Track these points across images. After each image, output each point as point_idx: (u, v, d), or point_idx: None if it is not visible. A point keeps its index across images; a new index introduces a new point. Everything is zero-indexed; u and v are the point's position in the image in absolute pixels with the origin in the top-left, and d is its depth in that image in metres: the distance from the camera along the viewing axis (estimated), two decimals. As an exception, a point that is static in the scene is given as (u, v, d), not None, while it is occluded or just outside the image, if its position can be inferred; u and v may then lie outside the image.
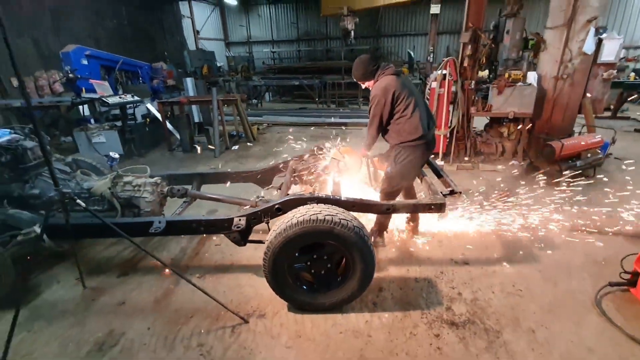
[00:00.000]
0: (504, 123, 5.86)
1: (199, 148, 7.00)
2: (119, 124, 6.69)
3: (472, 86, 5.56)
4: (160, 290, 2.94)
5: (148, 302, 2.81)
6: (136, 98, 6.24)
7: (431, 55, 12.56)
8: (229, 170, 3.84)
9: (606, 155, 5.14)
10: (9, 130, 3.33)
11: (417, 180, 3.35)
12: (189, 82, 8.74)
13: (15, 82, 8.61)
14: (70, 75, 5.73)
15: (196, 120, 8.59)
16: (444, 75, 5.49)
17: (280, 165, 3.73)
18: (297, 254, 2.45)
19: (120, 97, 5.95)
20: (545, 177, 4.70)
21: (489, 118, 6.01)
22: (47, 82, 9.07)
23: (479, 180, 5.04)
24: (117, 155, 3.46)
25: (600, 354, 2.20)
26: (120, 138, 6.58)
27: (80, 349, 2.37)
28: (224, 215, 2.73)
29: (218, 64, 15.09)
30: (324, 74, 13.83)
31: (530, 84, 5.39)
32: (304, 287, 2.56)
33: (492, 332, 2.38)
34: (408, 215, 3.55)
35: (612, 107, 9.28)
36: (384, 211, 2.69)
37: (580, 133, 5.28)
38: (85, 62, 6.49)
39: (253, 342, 2.36)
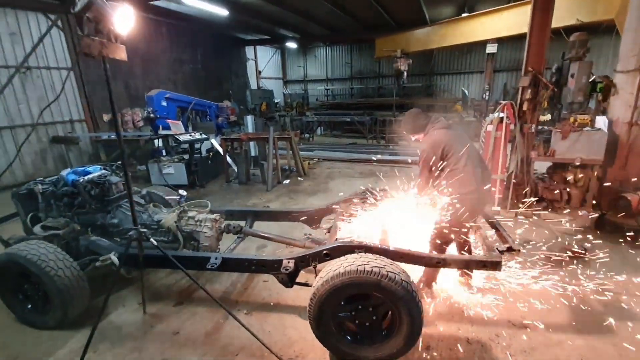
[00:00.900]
0: (569, 169, 5.44)
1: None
2: (186, 156, 7.42)
3: (532, 130, 5.31)
4: (211, 323, 3.10)
5: (199, 335, 2.97)
6: (203, 136, 6.91)
7: (487, 93, 12.25)
8: (281, 209, 4.04)
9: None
10: (99, 166, 3.89)
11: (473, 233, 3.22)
12: (249, 119, 9.45)
13: (106, 118, 10.08)
14: (151, 115, 6.57)
15: (252, 154, 9.18)
16: (501, 118, 5.33)
17: (331, 206, 3.83)
18: (342, 303, 2.47)
19: (190, 135, 6.64)
20: (620, 233, 4.22)
21: (551, 162, 5.63)
22: (131, 118, 10.46)
23: (541, 232, 4.65)
24: (185, 193, 3.85)
25: None
26: (186, 170, 7.25)
27: (138, 374, 2.56)
28: (274, 256, 2.87)
29: (275, 101, 16.16)
30: (374, 110, 14.10)
31: (599, 129, 5.01)
32: (348, 338, 2.54)
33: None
34: None
35: None
36: (433, 264, 2.63)
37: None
38: (164, 103, 7.42)
39: (294, 390, 2.37)
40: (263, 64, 18.17)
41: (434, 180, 3.01)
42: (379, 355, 2.47)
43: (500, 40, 11.12)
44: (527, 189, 5.42)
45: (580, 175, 5.35)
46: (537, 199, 5.48)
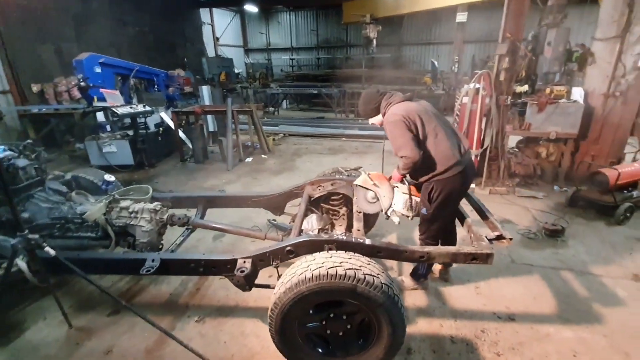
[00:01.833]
0: (541, 143, 5.29)
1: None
2: (131, 132, 6.49)
3: (508, 102, 5.03)
4: (154, 336, 2.55)
5: (138, 352, 2.44)
6: (147, 108, 6.00)
7: (456, 65, 12.00)
8: (238, 193, 3.48)
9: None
10: (3, 147, 3.06)
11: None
12: (205, 89, 8.52)
13: (35, 88, 8.66)
14: (82, 83, 5.54)
15: (210, 129, 8.34)
16: (477, 89, 4.99)
17: (295, 190, 3.32)
18: (310, 312, 2.03)
19: (130, 107, 5.72)
20: (596, 209, 4.14)
21: (524, 136, 5.46)
22: (67, 88, 9.07)
23: (518, 209, 4.48)
24: (112, 179, 3.14)
25: None
26: (131, 148, 6.36)
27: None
28: (226, 254, 2.35)
29: (236, 71, 14.97)
30: (343, 82, 13.46)
31: (575, 101, 4.83)
32: (319, 350, 2.12)
33: None
34: None
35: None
36: (416, 259, 2.24)
37: (636, 158, 4.65)
38: (98, 70, 6.33)
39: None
40: (221, 30, 16.66)
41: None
42: (355, 368, 2.08)
43: (470, 8, 10.75)
44: (502, 164, 5.21)
45: (552, 150, 5.23)
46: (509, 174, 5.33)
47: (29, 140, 3.28)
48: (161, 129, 7.07)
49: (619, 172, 3.81)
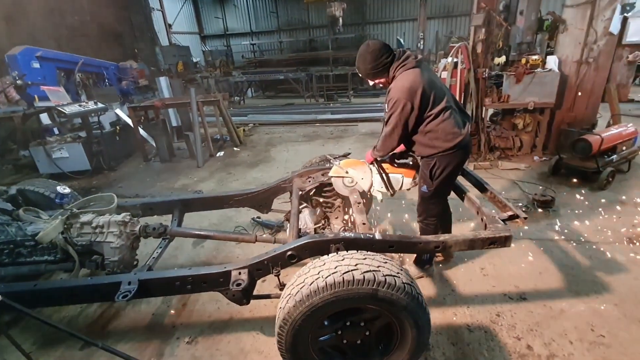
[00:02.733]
0: (517, 114, 5.30)
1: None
2: (84, 134, 5.80)
3: (486, 75, 4.95)
4: (139, 367, 2.21)
5: (121, 391, 2.09)
6: (99, 105, 5.34)
7: (421, 42, 11.93)
8: (217, 193, 3.12)
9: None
10: None
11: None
12: (163, 81, 7.83)
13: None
14: (19, 81, 4.79)
15: (174, 124, 7.71)
16: (455, 63, 4.86)
17: (282, 184, 3.02)
18: (325, 323, 1.79)
19: (80, 105, 5.06)
20: (578, 176, 4.19)
21: (500, 109, 5.44)
22: (1, 88, 7.97)
23: (504, 182, 4.46)
24: (67, 190, 2.67)
25: None
26: (86, 151, 5.70)
27: None
28: (217, 267, 2.03)
29: (194, 60, 14.03)
30: (309, 66, 13.03)
31: (550, 70, 4.82)
32: (334, 362, 1.90)
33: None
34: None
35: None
36: (431, 249, 2.04)
37: (610, 123, 4.76)
38: (36, 65, 5.52)
39: None
40: (172, 16, 15.46)
41: (409, 137, 2.36)
42: (378, 377, 1.88)
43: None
44: (483, 139, 5.18)
45: (528, 121, 5.25)
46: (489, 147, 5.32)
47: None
48: (118, 127, 6.39)
49: (602, 137, 3.84)
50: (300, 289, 1.67)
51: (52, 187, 3.05)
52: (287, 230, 2.51)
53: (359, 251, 1.81)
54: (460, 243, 2.03)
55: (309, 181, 2.92)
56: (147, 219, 2.91)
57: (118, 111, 6.62)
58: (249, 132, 8.37)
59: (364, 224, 2.22)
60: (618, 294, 2.50)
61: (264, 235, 2.75)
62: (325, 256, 1.81)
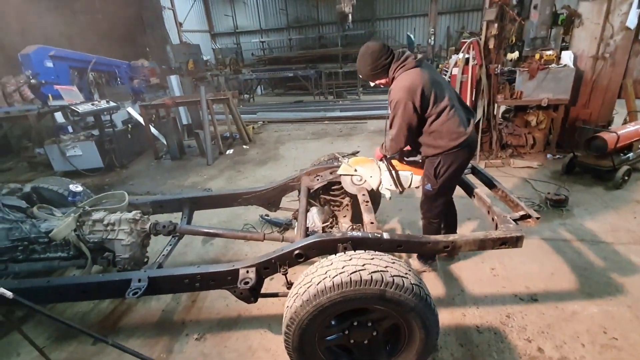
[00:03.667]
0: (529, 111, 5.18)
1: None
2: (96, 132, 5.91)
3: (499, 71, 4.85)
4: (149, 363, 2.25)
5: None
6: (112, 104, 5.42)
7: (432, 38, 11.76)
8: (226, 191, 3.14)
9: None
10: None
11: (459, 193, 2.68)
12: (174, 79, 7.91)
13: (-21, 90, 7.74)
14: (33, 80, 4.90)
15: (184, 122, 7.80)
16: (467, 59, 4.77)
17: (291, 183, 3.02)
18: (332, 322, 1.79)
19: (92, 104, 5.14)
20: (593, 174, 4.09)
21: (512, 106, 5.34)
22: (16, 87, 8.16)
23: (516, 181, 4.38)
24: (79, 189, 2.72)
25: None
26: (99, 149, 5.81)
27: None
28: (226, 265, 2.05)
29: (204, 58, 14.10)
30: (318, 63, 12.98)
31: (565, 65, 4.70)
32: (342, 361, 1.90)
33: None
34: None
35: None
36: (440, 250, 2.02)
37: (626, 120, 4.62)
38: (50, 64, 5.63)
39: None
40: (183, 14, 15.56)
41: (415, 137, 2.34)
42: (385, 377, 1.88)
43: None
44: (495, 136, 5.09)
45: (541, 118, 5.13)
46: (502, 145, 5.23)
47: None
48: (129, 125, 6.49)
49: (618, 135, 3.73)
50: (308, 288, 1.67)
51: (65, 185, 3.11)
52: (295, 228, 2.51)
53: (366, 251, 1.80)
54: (470, 243, 2.00)
55: (317, 179, 2.91)
56: (157, 216, 2.95)
57: (130, 109, 6.72)
58: (258, 129, 8.40)
59: (372, 223, 2.21)
60: (631, 296, 2.44)
61: (272, 234, 2.77)
62: (333, 256, 1.80)
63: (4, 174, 6.31)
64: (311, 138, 7.34)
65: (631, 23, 4.37)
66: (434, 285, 2.70)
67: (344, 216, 2.96)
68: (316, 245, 1.98)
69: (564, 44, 5.29)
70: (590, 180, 4.11)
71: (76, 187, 2.66)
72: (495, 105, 4.99)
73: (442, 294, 2.62)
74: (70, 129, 6.41)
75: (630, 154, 4.00)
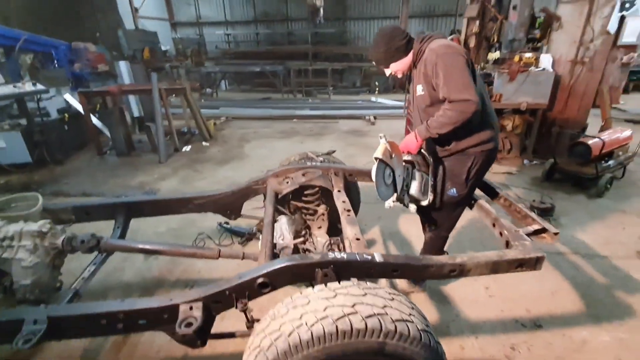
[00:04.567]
0: (504, 115, 5.02)
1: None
2: (24, 121, 4.97)
3: (479, 72, 4.62)
4: None
5: None
6: (39, 87, 4.54)
7: (403, 41, 11.62)
8: (174, 195, 2.54)
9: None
10: None
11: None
12: (123, 66, 7.03)
13: None
14: None
15: (135, 114, 6.93)
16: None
17: (254, 186, 2.49)
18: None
19: (14, 87, 4.25)
20: (571, 182, 3.95)
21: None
22: None
23: (496, 186, 4.14)
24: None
25: None
26: (26, 140, 4.88)
27: None
28: (159, 299, 1.49)
29: (163, 48, 13.03)
30: (287, 60, 12.43)
31: (544, 69, 4.57)
32: None
33: None
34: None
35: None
36: (446, 275, 1.60)
37: (603, 128, 4.56)
38: (-36, 38, 4.64)
39: None
40: (140, 0, 14.33)
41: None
42: None
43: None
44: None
45: (517, 122, 4.99)
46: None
47: None
48: (67, 115, 5.57)
49: (604, 141, 3.59)
50: (275, 340, 1.17)
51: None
52: (260, 243, 1.99)
53: (355, 282, 1.33)
54: (482, 266, 1.60)
55: (287, 182, 2.41)
56: (80, 227, 2.30)
57: (67, 96, 5.79)
58: (221, 125, 7.71)
59: (357, 239, 1.74)
60: (643, 320, 2.18)
61: (231, 248, 2.22)
62: (310, 290, 1.31)
63: None
64: (280, 137, 6.79)
65: (612, 27, 4.31)
66: (424, 308, 2.26)
67: (319, 227, 2.47)
68: (287, 271, 1.48)
69: (539, 44, 5.15)
70: (571, 188, 3.97)
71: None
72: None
73: (435, 320, 2.22)
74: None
75: (611, 162, 3.91)
